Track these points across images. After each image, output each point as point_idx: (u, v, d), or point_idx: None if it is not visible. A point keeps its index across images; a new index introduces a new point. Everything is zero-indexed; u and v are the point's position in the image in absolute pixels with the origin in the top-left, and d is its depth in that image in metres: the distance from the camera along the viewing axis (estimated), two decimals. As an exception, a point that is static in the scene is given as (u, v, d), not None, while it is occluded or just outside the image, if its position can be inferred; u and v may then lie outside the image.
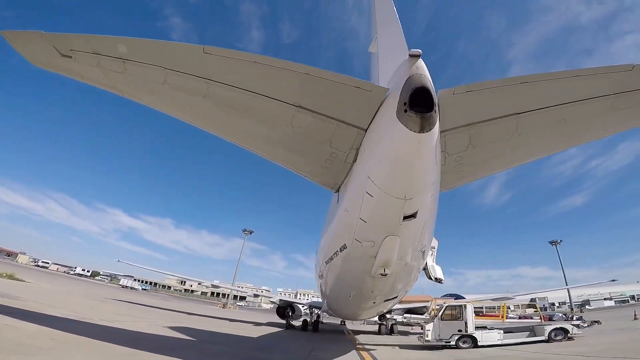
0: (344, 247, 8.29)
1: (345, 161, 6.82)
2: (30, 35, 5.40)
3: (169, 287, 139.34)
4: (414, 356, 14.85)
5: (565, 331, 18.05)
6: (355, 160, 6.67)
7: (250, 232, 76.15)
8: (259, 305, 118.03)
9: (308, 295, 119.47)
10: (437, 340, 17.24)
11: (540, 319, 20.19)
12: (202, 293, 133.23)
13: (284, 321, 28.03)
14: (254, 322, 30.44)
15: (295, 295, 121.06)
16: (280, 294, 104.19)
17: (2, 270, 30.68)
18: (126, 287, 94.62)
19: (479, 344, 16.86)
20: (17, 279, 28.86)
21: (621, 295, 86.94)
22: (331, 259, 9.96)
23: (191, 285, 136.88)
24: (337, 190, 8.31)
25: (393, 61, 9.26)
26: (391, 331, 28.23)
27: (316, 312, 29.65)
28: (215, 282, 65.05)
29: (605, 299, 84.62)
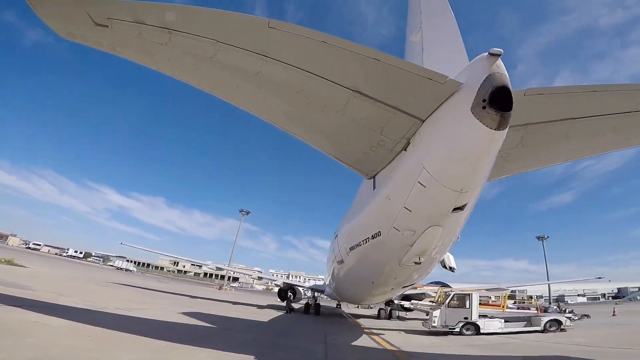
0: (378, 234, 8.22)
1: (392, 149, 6.72)
2: (62, 0, 4.73)
3: (162, 268, 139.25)
4: (426, 341, 15.51)
5: (559, 323, 19.11)
6: (405, 149, 6.56)
7: (247, 213, 75.82)
8: (252, 287, 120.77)
9: (300, 277, 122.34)
10: (443, 327, 18.04)
11: (537, 310, 21.48)
12: (195, 274, 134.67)
13: (284, 303, 28.55)
14: (256, 305, 31.11)
15: (287, 277, 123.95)
16: (273, 275, 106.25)
17: (0, 256, 29.73)
18: (121, 268, 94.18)
19: (481, 331, 17.75)
20: (16, 264, 28.09)
21: (593, 292, 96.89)
22: (358, 245, 9.89)
23: (184, 266, 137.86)
24: (373, 177, 8.14)
25: (443, 52, 9.21)
26: (390, 316, 29.48)
27: (317, 295, 30.62)
28: (218, 265, 65.46)
29: (578, 295, 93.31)
